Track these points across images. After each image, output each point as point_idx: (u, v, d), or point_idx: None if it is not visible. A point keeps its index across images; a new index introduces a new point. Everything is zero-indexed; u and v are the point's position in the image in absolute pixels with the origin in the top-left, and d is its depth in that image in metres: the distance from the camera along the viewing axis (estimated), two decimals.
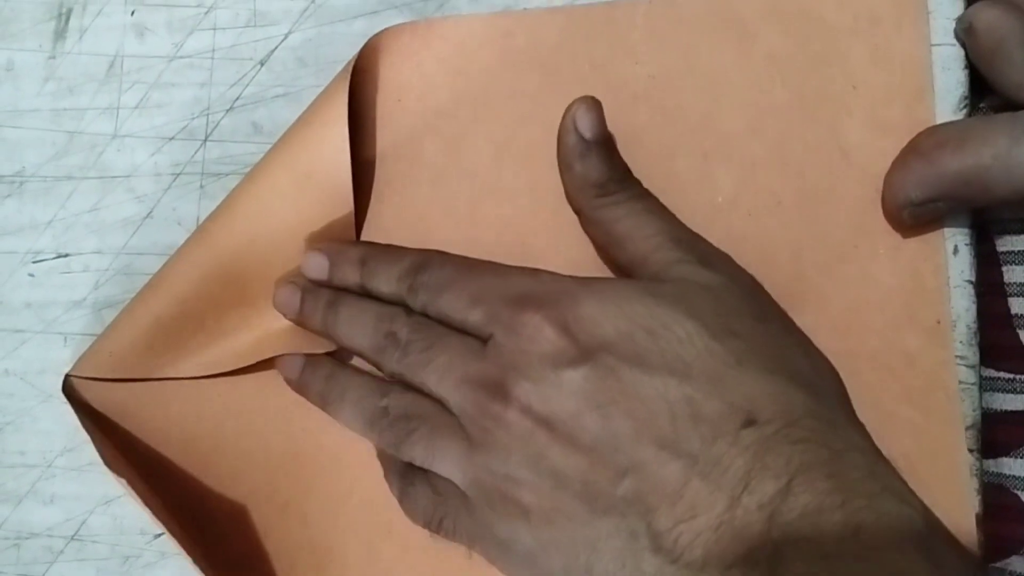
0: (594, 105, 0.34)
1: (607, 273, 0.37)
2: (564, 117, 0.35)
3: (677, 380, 0.30)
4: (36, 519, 0.41)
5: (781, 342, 0.33)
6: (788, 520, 0.27)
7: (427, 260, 0.35)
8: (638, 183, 0.35)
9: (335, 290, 0.37)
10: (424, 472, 0.34)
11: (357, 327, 0.36)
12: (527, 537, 0.31)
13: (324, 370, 0.37)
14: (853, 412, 0.33)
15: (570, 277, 0.33)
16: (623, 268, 0.35)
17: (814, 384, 0.31)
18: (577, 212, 0.36)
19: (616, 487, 0.30)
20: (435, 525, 0.34)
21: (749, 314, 0.32)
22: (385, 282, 0.35)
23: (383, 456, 0.37)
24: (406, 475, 0.35)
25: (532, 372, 0.31)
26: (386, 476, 0.36)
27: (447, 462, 0.33)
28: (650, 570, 0.29)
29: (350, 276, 0.36)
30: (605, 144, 0.35)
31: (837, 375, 0.34)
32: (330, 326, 0.36)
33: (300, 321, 0.37)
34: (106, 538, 0.40)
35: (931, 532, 0.28)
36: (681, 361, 0.30)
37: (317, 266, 0.37)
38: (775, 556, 0.27)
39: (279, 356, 0.38)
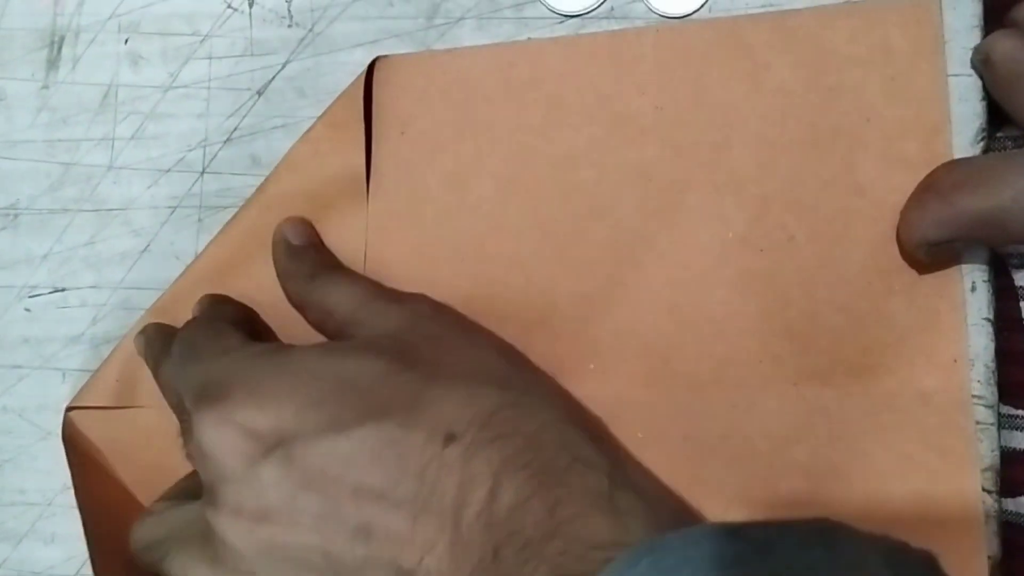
0: (299, 220, 0.37)
1: (611, 307, 0.36)
2: (275, 232, 0.37)
3: (375, 424, 0.30)
4: (37, 558, 0.41)
5: (469, 349, 0.34)
6: (499, 520, 0.28)
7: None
8: (340, 265, 0.38)
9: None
10: None
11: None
12: None
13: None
14: (551, 384, 0.35)
15: (254, 349, 0.34)
16: (338, 337, 0.36)
17: (505, 373, 0.33)
18: (295, 303, 0.37)
19: (355, 549, 0.30)
20: None
21: (434, 335, 0.34)
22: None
23: None
24: None
25: (231, 474, 0.31)
26: None
27: None
28: None
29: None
30: (313, 246, 0.37)
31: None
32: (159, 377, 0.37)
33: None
34: None
35: (615, 487, 0.29)
36: (377, 404, 0.31)
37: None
38: (495, 558, 0.28)
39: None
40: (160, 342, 0.37)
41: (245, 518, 0.31)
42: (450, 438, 0.30)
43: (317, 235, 0.38)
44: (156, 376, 0.37)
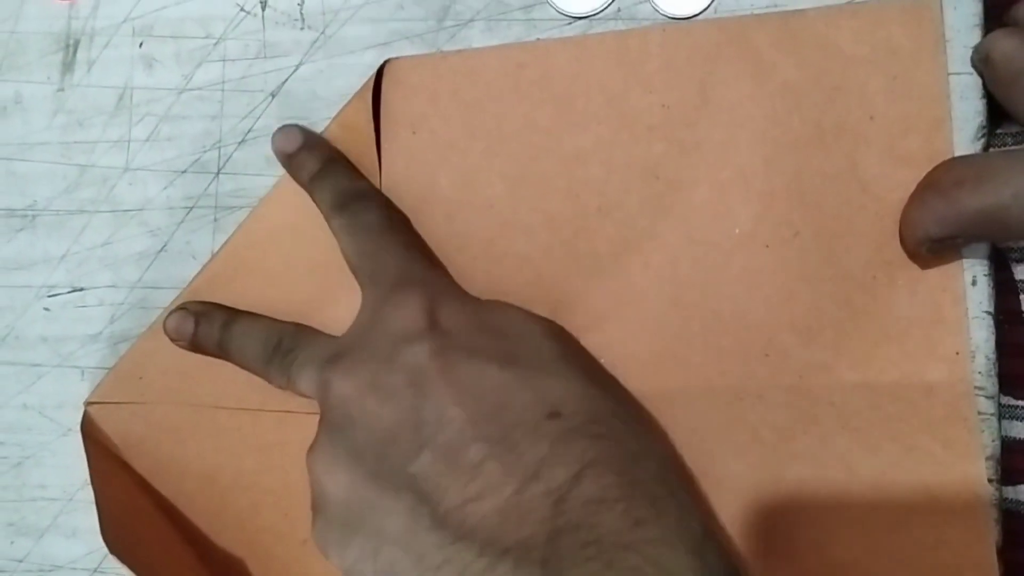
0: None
1: (620, 303, 0.37)
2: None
3: (498, 367, 0.31)
4: (59, 552, 0.41)
5: (595, 361, 0.37)
6: (572, 507, 0.28)
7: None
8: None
9: (230, 310, 0.39)
10: None
11: (249, 341, 0.37)
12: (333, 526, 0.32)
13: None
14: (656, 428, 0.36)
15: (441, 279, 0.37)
16: None
17: (621, 397, 0.35)
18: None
19: (410, 464, 0.30)
20: None
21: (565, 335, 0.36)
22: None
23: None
24: None
25: (377, 346, 0.33)
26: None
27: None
28: (430, 547, 0.29)
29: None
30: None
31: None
32: (224, 347, 0.38)
33: (194, 346, 0.38)
34: (128, 571, 0.40)
35: (707, 538, 0.28)
36: (511, 354, 0.32)
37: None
38: (552, 539, 0.27)
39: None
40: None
41: (365, 367, 0.33)
42: (555, 415, 0.30)
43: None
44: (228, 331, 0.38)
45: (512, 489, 0.29)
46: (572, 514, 0.28)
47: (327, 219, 0.37)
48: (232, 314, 0.38)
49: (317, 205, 0.38)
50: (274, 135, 0.38)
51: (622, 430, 0.31)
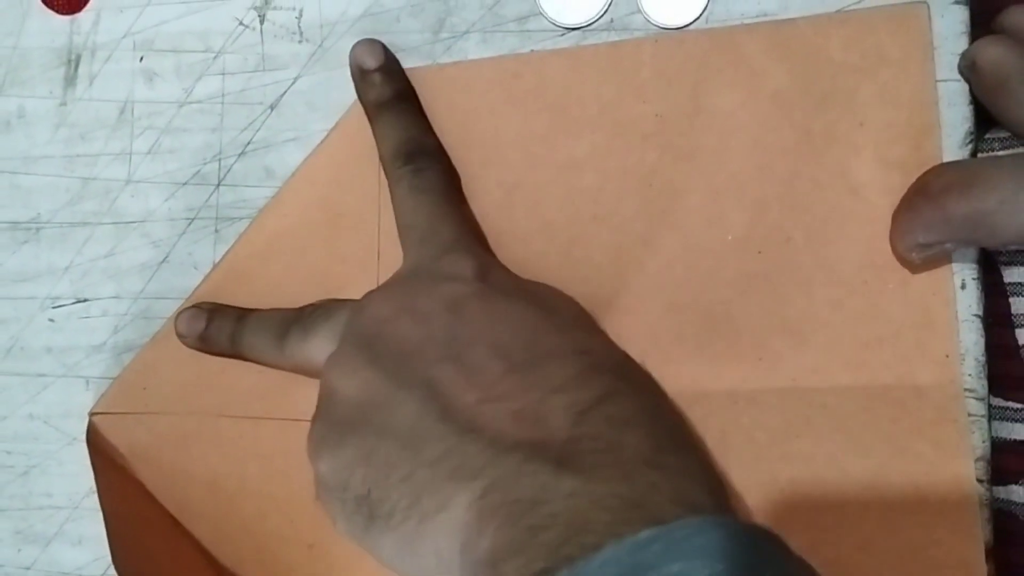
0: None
1: (615, 309, 0.37)
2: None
3: (535, 308, 0.32)
4: (65, 560, 0.42)
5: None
6: (594, 420, 0.27)
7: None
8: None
9: (241, 308, 0.39)
10: None
11: (264, 326, 0.37)
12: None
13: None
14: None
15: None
16: None
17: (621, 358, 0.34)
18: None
19: (430, 369, 0.30)
20: None
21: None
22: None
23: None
24: None
25: (419, 281, 0.33)
26: None
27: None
28: (431, 439, 0.28)
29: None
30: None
31: None
32: (237, 339, 0.38)
33: (203, 343, 0.39)
34: None
35: (723, 486, 0.28)
36: (548, 303, 0.33)
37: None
38: (569, 444, 0.27)
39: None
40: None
41: (405, 293, 0.33)
42: (584, 352, 0.31)
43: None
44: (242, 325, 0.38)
45: (534, 398, 0.28)
46: (593, 426, 0.27)
47: (384, 161, 0.37)
48: (244, 311, 0.39)
49: (376, 137, 0.38)
50: (355, 46, 0.38)
51: (646, 383, 0.32)
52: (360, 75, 0.38)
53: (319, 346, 0.35)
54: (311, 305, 0.37)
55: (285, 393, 0.39)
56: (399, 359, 0.31)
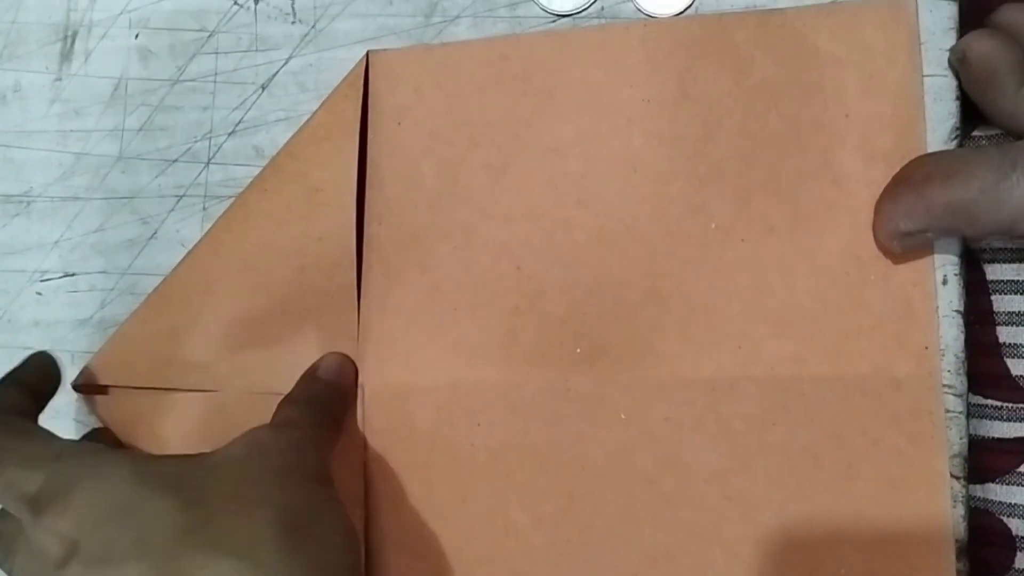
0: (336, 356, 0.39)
1: (597, 293, 0.37)
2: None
3: (135, 565, 0.29)
4: None
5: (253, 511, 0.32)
6: None
7: None
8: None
9: None
10: None
11: None
12: None
13: None
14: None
15: (84, 449, 0.34)
16: None
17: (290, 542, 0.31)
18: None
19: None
20: None
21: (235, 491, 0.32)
22: None
23: None
24: None
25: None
26: None
27: None
28: None
29: None
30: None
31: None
32: None
33: None
34: None
35: None
36: (147, 545, 0.30)
37: None
38: None
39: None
40: None
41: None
42: None
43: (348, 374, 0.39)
44: None
45: None
46: None
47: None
48: None
49: None
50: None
51: None
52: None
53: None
54: None
55: (266, 368, 0.39)
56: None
